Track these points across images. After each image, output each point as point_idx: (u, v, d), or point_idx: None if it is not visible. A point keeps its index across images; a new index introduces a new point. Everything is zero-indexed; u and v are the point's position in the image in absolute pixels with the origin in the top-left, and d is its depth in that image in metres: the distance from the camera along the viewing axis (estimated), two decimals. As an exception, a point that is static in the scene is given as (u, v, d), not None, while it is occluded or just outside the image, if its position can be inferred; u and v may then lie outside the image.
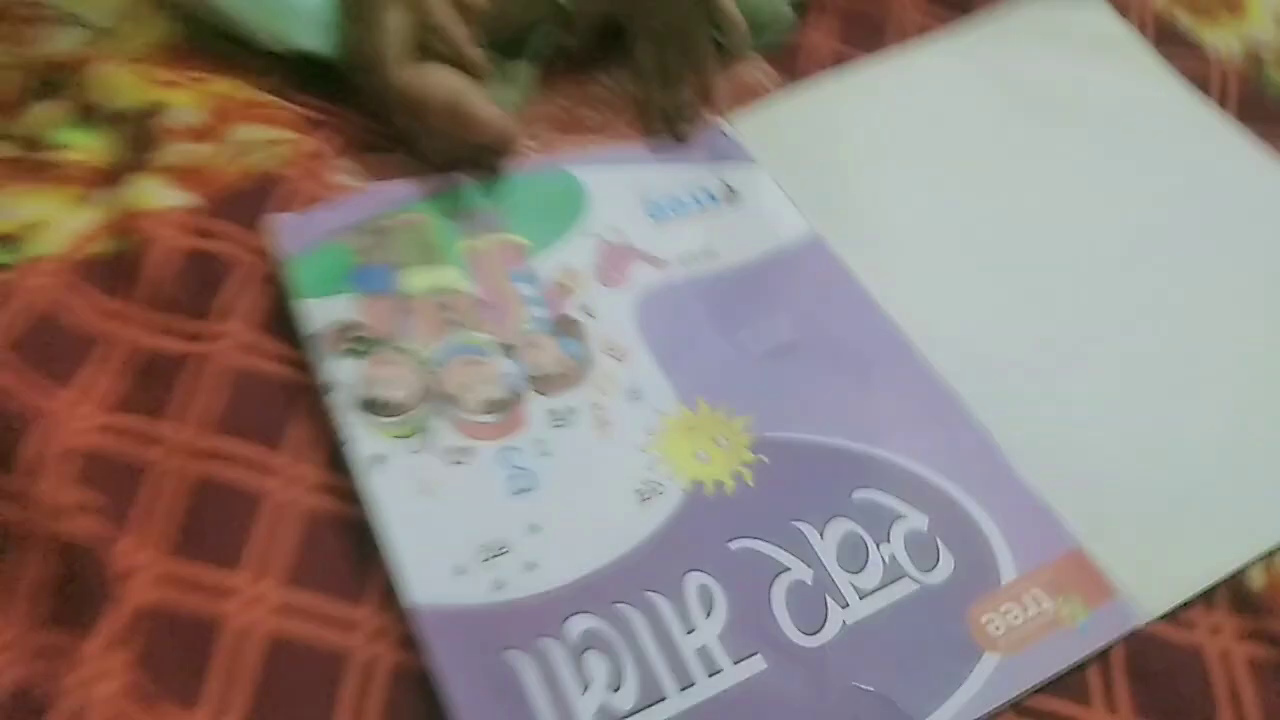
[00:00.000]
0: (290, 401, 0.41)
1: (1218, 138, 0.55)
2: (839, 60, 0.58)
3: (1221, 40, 0.61)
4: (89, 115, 0.49)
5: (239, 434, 0.40)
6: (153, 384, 0.41)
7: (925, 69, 0.57)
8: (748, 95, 0.55)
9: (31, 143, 0.48)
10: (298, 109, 0.50)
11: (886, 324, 0.45)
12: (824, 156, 0.52)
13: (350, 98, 0.50)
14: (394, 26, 0.46)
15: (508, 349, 0.43)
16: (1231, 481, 0.42)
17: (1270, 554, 0.40)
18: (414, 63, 0.46)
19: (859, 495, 0.39)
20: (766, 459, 0.40)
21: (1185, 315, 0.47)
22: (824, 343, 0.44)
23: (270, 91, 0.50)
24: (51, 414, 0.39)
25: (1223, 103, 0.57)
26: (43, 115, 0.49)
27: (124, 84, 0.49)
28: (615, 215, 0.48)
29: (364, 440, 0.39)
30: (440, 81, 0.46)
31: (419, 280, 0.44)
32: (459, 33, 0.47)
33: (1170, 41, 0.60)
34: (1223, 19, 0.63)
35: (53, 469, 0.38)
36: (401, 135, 0.49)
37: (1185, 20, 0.62)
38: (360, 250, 0.45)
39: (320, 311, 0.43)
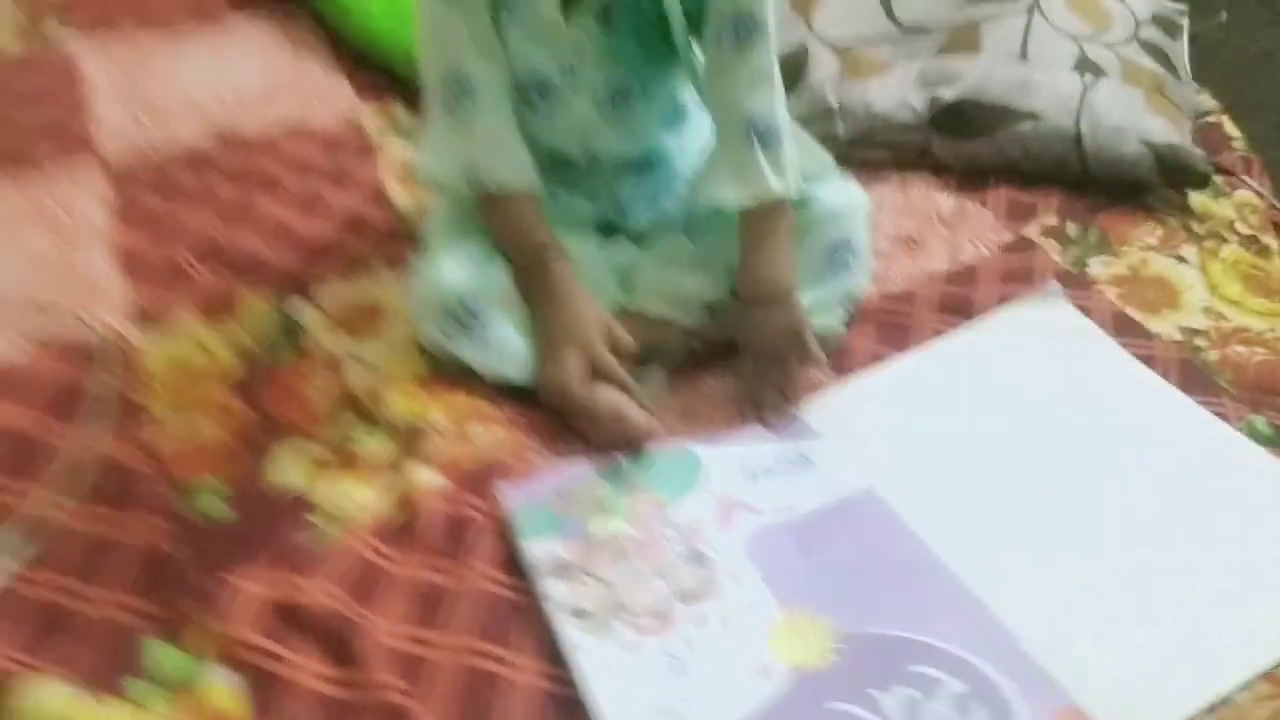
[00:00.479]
0: (520, 614, 0.62)
1: (1165, 401, 0.75)
2: (876, 358, 0.81)
3: (1164, 326, 0.83)
4: (375, 424, 0.74)
5: (488, 638, 0.61)
6: (429, 605, 0.63)
7: (941, 364, 0.79)
8: (812, 388, 0.78)
9: (338, 445, 0.73)
10: (509, 414, 0.75)
11: (922, 546, 0.65)
12: (870, 431, 0.74)
13: (542, 406, 0.75)
14: (573, 365, 0.72)
15: (659, 573, 0.64)
16: (1184, 646, 0.59)
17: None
18: (586, 383, 0.71)
19: (914, 669, 0.58)
20: (845, 647, 0.59)
21: (1142, 529, 0.66)
22: (879, 563, 0.64)
23: (490, 403, 0.75)
24: (369, 625, 0.61)
25: (1167, 376, 0.78)
26: (346, 425, 0.74)
27: (398, 402, 0.75)
28: (724, 479, 0.70)
29: (569, 636, 0.60)
30: (605, 398, 0.71)
31: (598, 527, 0.66)
32: (615, 366, 0.72)
33: (1126, 332, 0.82)
34: (1164, 312, 0.85)
35: (376, 662, 0.59)
36: (578, 431, 0.73)
37: (1136, 314, 0.84)
38: (558, 509, 0.67)
39: (535, 549, 0.65)
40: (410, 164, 1.03)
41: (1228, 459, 0.71)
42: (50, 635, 0.61)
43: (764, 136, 0.75)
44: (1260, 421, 0.74)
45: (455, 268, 0.75)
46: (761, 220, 0.76)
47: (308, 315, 0.83)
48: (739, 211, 0.76)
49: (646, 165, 0.85)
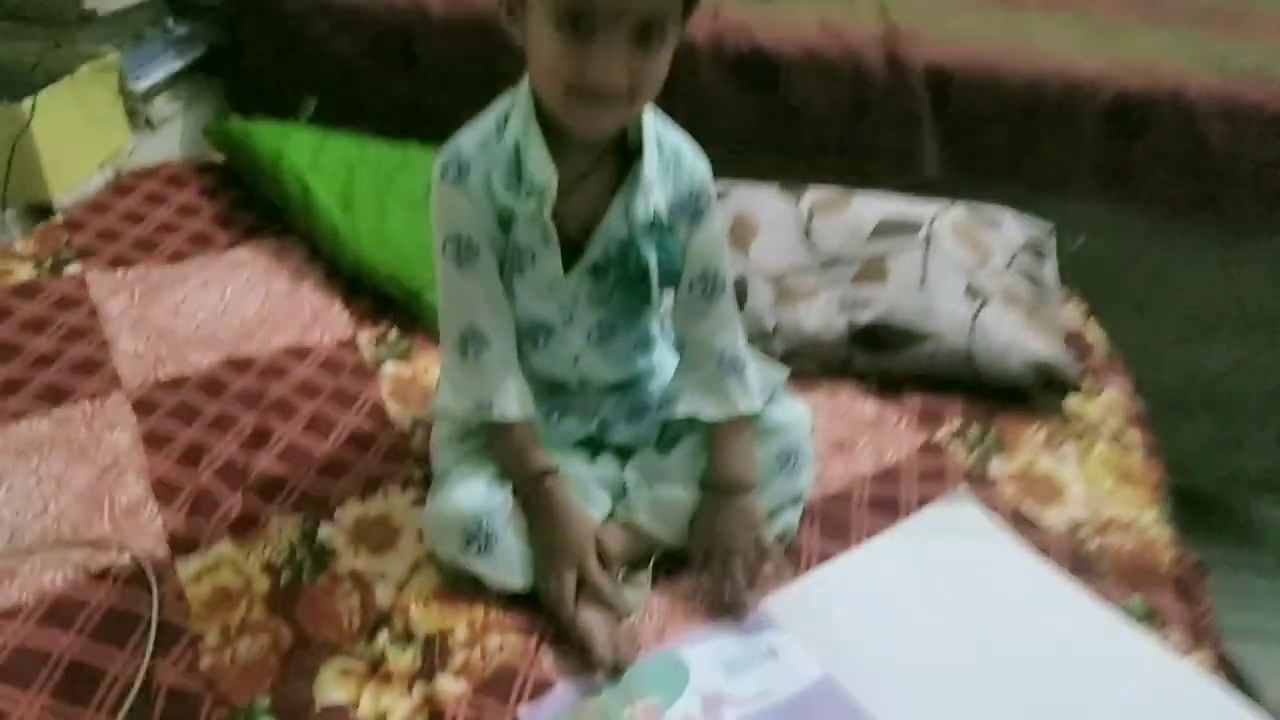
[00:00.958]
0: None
1: (1055, 591, 0.91)
2: (822, 553, 0.96)
3: (1054, 518, 1.01)
4: (403, 637, 0.85)
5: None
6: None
7: (876, 561, 0.95)
8: (771, 582, 0.92)
9: (373, 659, 0.84)
10: (520, 623, 0.87)
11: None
12: (823, 622, 0.88)
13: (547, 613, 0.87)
14: (567, 580, 0.85)
15: (663, 767, 0.75)
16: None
17: None
18: (581, 601, 0.85)
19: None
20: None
21: (1044, 703, 0.81)
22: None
23: (503, 611, 0.87)
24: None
25: (1060, 564, 0.95)
26: (378, 640, 0.85)
27: (421, 617, 0.86)
28: (708, 675, 0.83)
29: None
30: (581, 623, 0.84)
31: (605, 737, 0.78)
32: (600, 581, 0.85)
33: (1023, 526, 0.99)
34: (1053, 506, 1.02)
35: None
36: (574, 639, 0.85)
37: (1030, 507, 1.02)
38: None
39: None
40: (403, 381, 1.17)
41: (1108, 639, 0.87)
42: None
43: (733, 365, 0.92)
44: (1136, 601, 0.91)
45: (468, 494, 0.88)
46: (729, 429, 0.92)
47: (330, 535, 0.95)
48: (710, 423, 0.92)
49: (626, 386, 1.01)
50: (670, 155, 0.89)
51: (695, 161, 0.91)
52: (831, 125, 1.57)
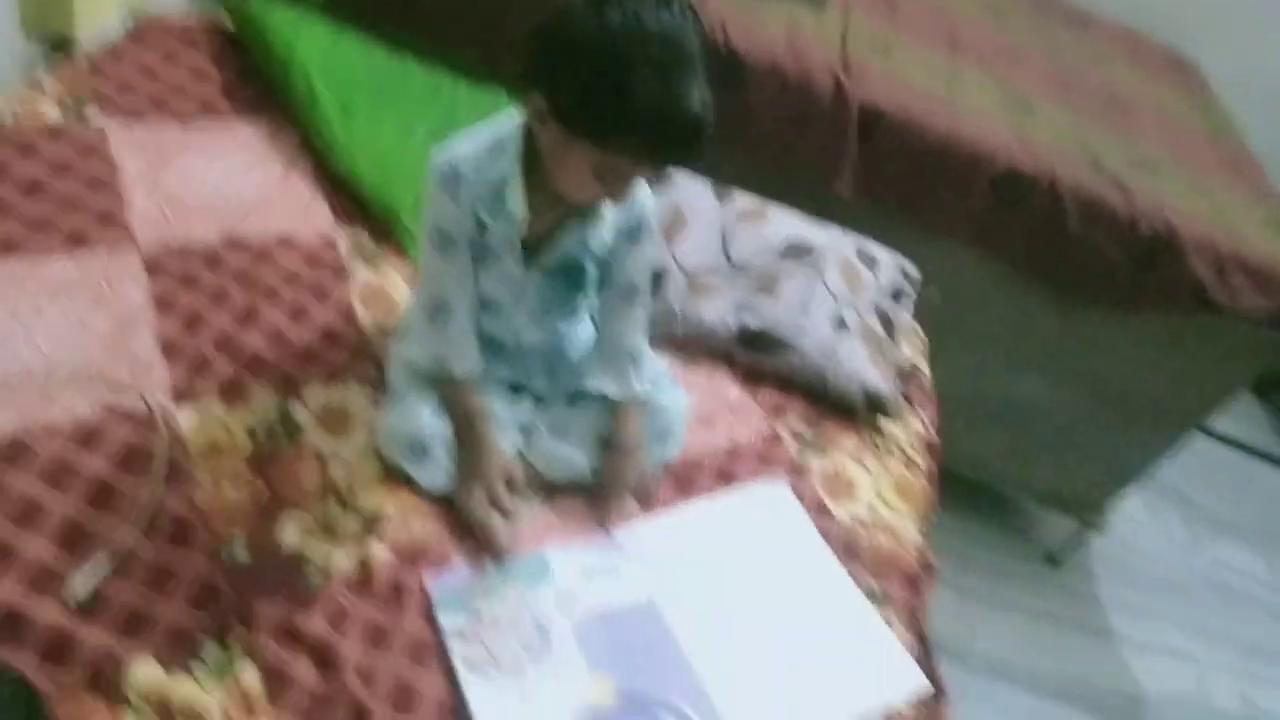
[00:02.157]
0: (434, 650, 1.05)
1: (824, 565, 1.26)
2: (667, 504, 1.28)
3: (843, 511, 1.35)
4: (348, 507, 1.13)
5: (416, 662, 1.03)
6: (379, 636, 1.04)
7: (702, 518, 1.27)
8: (629, 519, 1.24)
9: (324, 519, 1.12)
10: (438, 512, 1.16)
11: (673, 641, 1.12)
12: (657, 556, 1.20)
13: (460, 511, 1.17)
14: (476, 494, 1.14)
15: (519, 639, 1.07)
16: (804, 705, 1.10)
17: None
18: (482, 507, 1.14)
19: (658, 712, 1.05)
20: (621, 697, 1.05)
21: (788, 640, 1.16)
22: (647, 648, 1.11)
23: (427, 503, 1.16)
24: (343, 646, 1.02)
25: (835, 547, 1.29)
26: (329, 505, 1.13)
27: (364, 494, 1.14)
28: (566, 576, 1.15)
29: (462, 675, 1.03)
30: (487, 521, 1.14)
31: (485, 606, 1.09)
32: (502, 499, 1.15)
33: (820, 512, 1.34)
34: (844, 501, 1.37)
35: (345, 671, 1.00)
36: (477, 534, 1.15)
37: (827, 499, 1.36)
38: (462, 593, 1.10)
39: (444, 619, 1.07)
40: (371, 288, 1.41)
41: (845, 607, 1.23)
42: (138, 631, 0.97)
43: (634, 358, 1.21)
44: (876, 585, 1.27)
45: (416, 416, 1.15)
46: (627, 405, 1.22)
47: (300, 413, 1.21)
48: (612, 399, 1.21)
49: (551, 349, 1.28)
50: None
51: (645, 196, 1.16)
52: (777, 132, 1.82)
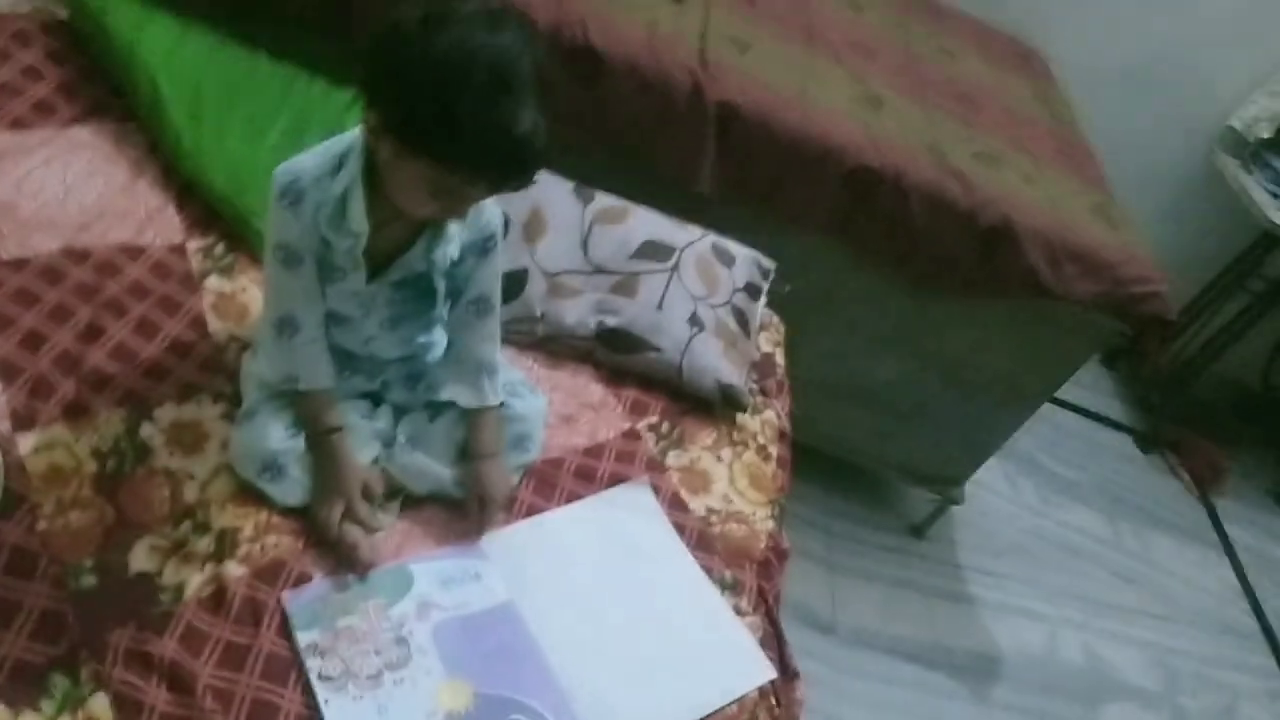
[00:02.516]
0: (292, 667, 1.06)
1: (680, 561, 1.32)
2: (531, 507, 1.31)
3: (698, 505, 1.41)
4: (202, 527, 1.13)
5: (273, 681, 1.04)
6: (236, 657, 1.05)
7: (566, 521, 1.31)
8: (492, 524, 1.27)
9: (177, 541, 1.11)
10: (294, 528, 1.17)
11: (533, 642, 1.16)
12: (518, 560, 1.24)
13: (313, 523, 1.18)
14: (334, 508, 1.16)
15: (376, 651, 1.10)
16: (661, 700, 1.15)
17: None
18: (339, 522, 1.15)
19: (514, 716, 1.09)
20: (480, 700, 1.09)
21: (645, 638, 1.22)
22: (506, 650, 1.15)
23: (282, 518, 1.17)
24: (197, 669, 1.02)
25: (690, 539, 1.35)
26: (183, 527, 1.12)
27: (218, 514, 1.14)
28: (426, 585, 1.17)
29: (319, 692, 1.04)
30: (347, 534, 1.15)
31: (342, 622, 1.11)
32: (361, 511, 1.16)
33: (676, 506, 1.39)
34: (700, 494, 1.43)
35: (201, 694, 1.00)
36: (336, 549, 1.17)
37: (684, 494, 1.42)
38: (319, 609, 1.11)
39: (302, 637, 1.08)
40: (224, 296, 1.39)
41: (697, 597, 1.30)
42: (-23, 665, 0.96)
43: (489, 369, 1.24)
44: (728, 575, 1.34)
45: (268, 434, 1.16)
46: (481, 414, 1.24)
47: (150, 433, 1.19)
48: (468, 408, 1.23)
49: (406, 359, 1.29)
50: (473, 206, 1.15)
51: (492, 211, 1.18)
52: (635, 128, 1.85)
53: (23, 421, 1.14)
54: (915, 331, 2.13)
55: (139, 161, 1.50)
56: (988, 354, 2.14)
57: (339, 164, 1.08)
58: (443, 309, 1.23)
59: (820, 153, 1.87)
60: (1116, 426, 3.31)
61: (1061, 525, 2.83)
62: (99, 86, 1.56)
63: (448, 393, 1.23)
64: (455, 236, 1.14)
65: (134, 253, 1.38)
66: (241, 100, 1.56)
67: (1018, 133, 2.28)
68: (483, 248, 1.18)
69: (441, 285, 1.17)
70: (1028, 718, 2.26)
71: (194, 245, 1.44)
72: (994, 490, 2.81)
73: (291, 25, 1.79)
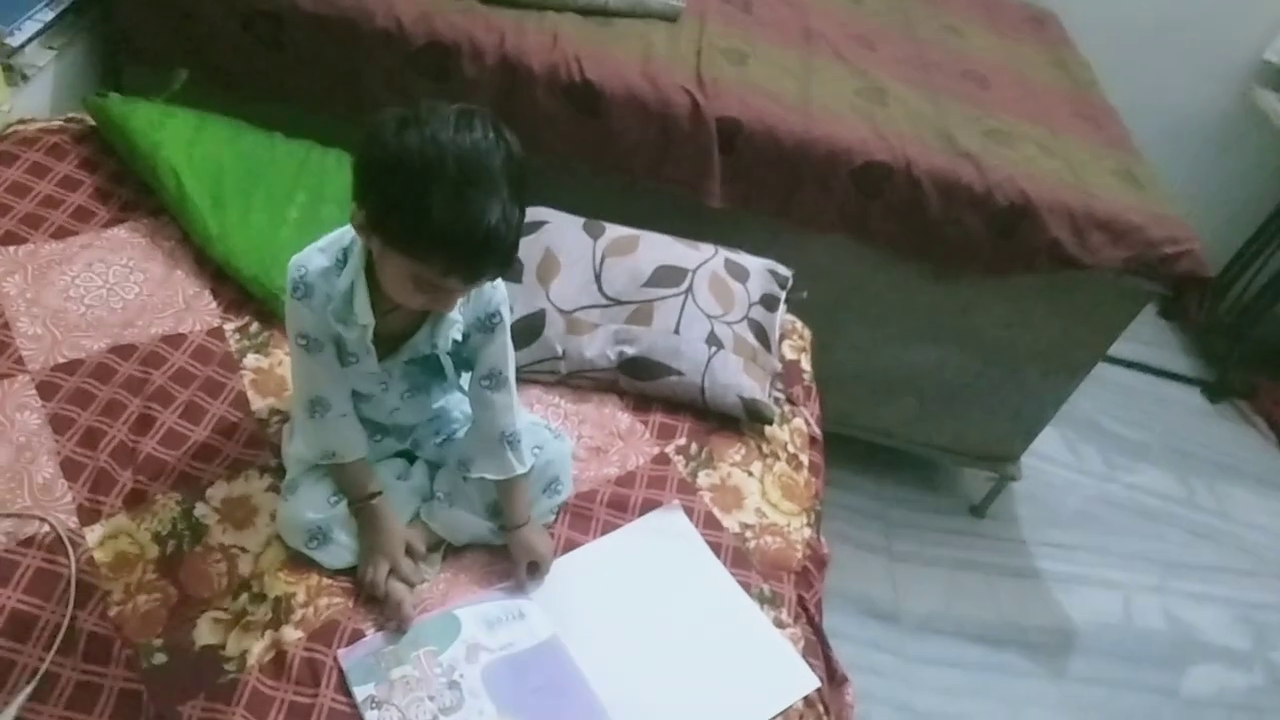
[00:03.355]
0: (353, 721, 1.13)
1: (718, 580, 1.36)
2: (568, 542, 1.36)
3: (731, 522, 1.44)
4: (259, 597, 1.21)
5: (335, 735, 1.11)
6: (302, 718, 1.12)
7: (604, 553, 1.36)
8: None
9: (237, 613, 1.19)
10: (346, 588, 1.24)
11: (580, 676, 1.21)
12: (560, 596, 1.29)
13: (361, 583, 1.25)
14: (380, 568, 1.22)
15: (430, 697, 1.16)
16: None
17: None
18: (385, 580, 1.22)
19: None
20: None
21: (690, 663, 1.26)
22: (554, 686, 1.20)
23: (333, 580, 1.24)
24: (266, 732, 1.10)
25: (725, 557, 1.39)
26: (241, 599, 1.20)
27: (272, 583, 1.22)
28: (473, 629, 1.23)
29: (380, 739, 1.11)
30: (392, 592, 1.22)
31: (396, 673, 1.17)
32: (405, 569, 1.23)
33: (710, 525, 1.43)
34: (733, 511, 1.46)
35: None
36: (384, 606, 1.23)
37: (717, 512, 1.45)
38: (373, 662, 1.18)
39: (358, 692, 1.15)
40: (262, 372, 1.47)
41: (740, 618, 1.33)
42: (66, 749, 1.05)
43: (511, 441, 1.27)
44: (766, 588, 1.37)
45: (311, 505, 1.23)
46: (513, 482, 1.29)
47: (204, 512, 1.28)
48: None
49: (431, 420, 1.35)
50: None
51: (493, 290, 1.21)
52: (641, 153, 1.89)
53: (89, 515, 1.24)
54: (948, 316, 2.12)
55: (173, 253, 1.59)
56: (1026, 329, 2.13)
57: (344, 257, 1.14)
58: (456, 379, 1.29)
59: (827, 153, 1.88)
60: (1181, 380, 3.23)
61: (1130, 488, 2.77)
62: (130, 187, 1.66)
63: (477, 470, 1.28)
64: (458, 318, 1.18)
65: (176, 341, 1.47)
66: (261, 181, 1.65)
67: (1032, 103, 2.25)
68: (487, 325, 1.21)
69: (449, 363, 1.23)
70: (1109, 689, 2.24)
71: (230, 327, 1.52)
72: (1055, 460, 2.77)
73: (300, 107, 1.89)
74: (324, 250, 1.15)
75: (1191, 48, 2.89)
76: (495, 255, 1.01)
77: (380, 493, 1.26)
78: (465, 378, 1.32)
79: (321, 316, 1.14)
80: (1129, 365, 3.16)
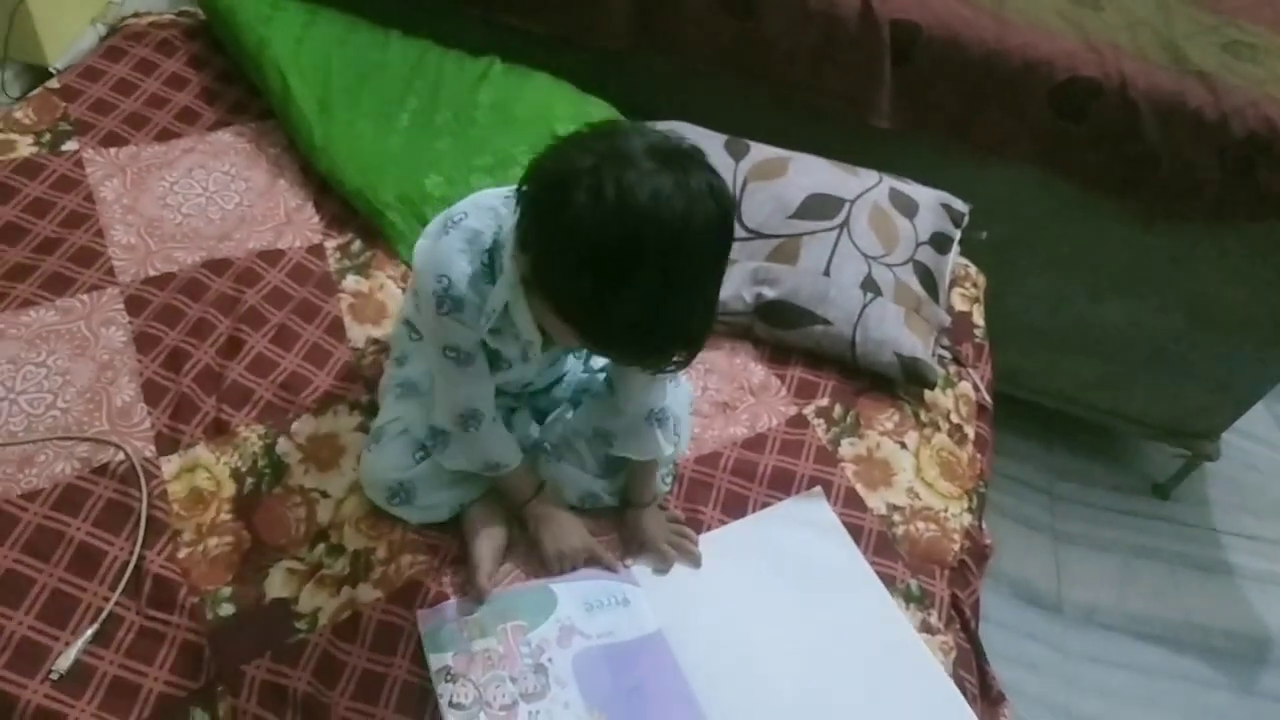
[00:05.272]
0: (424, 698, 1.00)
1: (861, 579, 1.15)
2: (687, 520, 1.18)
3: (877, 501, 1.23)
4: (340, 551, 1.09)
5: (407, 714, 0.99)
6: (371, 687, 1.00)
7: (730, 542, 1.16)
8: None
9: (313, 564, 1.08)
10: (430, 543, 1.10)
11: (681, 679, 1.04)
12: (672, 588, 1.11)
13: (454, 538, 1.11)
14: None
15: (512, 678, 1.02)
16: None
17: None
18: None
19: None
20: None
21: (822, 676, 1.07)
22: (653, 687, 1.03)
23: (418, 535, 1.11)
24: (332, 703, 0.98)
25: (867, 544, 1.18)
26: (318, 550, 1.09)
27: (352, 536, 1.10)
28: (570, 609, 1.08)
29: (450, 717, 0.98)
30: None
31: (478, 645, 1.04)
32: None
33: (851, 504, 1.22)
34: (880, 489, 1.24)
35: None
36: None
37: (861, 489, 1.23)
38: (454, 630, 1.04)
39: (434, 661, 1.02)
40: (361, 296, 1.34)
41: (884, 632, 1.12)
42: (122, 700, 0.96)
43: (660, 419, 1.11)
44: (914, 584, 1.16)
45: (393, 461, 1.09)
46: (647, 464, 1.13)
47: (287, 449, 1.16)
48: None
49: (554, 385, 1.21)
50: None
51: None
52: (798, 62, 1.64)
53: (167, 445, 1.14)
54: (1150, 267, 1.79)
55: (278, 160, 1.47)
56: (1243, 288, 1.77)
57: (489, 261, 0.96)
58: None
59: (1023, 66, 1.58)
60: None
61: (1348, 478, 2.37)
62: (239, 87, 1.55)
63: (620, 448, 1.12)
64: None
65: (273, 257, 1.35)
66: (370, 85, 1.50)
67: (1283, 10, 1.84)
68: None
69: None
70: (1309, 711, 1.92)
71: (331, 244, 1.39)
72: (1261, 439, 2.38)
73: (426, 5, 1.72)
74: (464, 252, 0.96)
75: None
76: (685, 355, 0.87)
77: (544, 483, 1.13)
78: None
79: (473, 324, 0.98)
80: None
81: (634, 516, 1.14)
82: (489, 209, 0.97)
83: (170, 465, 1.13)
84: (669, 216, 0.78)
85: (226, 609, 1.03)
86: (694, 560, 1.14)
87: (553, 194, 0.82)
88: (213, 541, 1.08)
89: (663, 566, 1.14)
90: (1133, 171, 1.64)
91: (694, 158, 0.82)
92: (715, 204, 0.81)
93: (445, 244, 0.96)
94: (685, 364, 0.90)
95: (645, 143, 0.80)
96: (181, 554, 1.06)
